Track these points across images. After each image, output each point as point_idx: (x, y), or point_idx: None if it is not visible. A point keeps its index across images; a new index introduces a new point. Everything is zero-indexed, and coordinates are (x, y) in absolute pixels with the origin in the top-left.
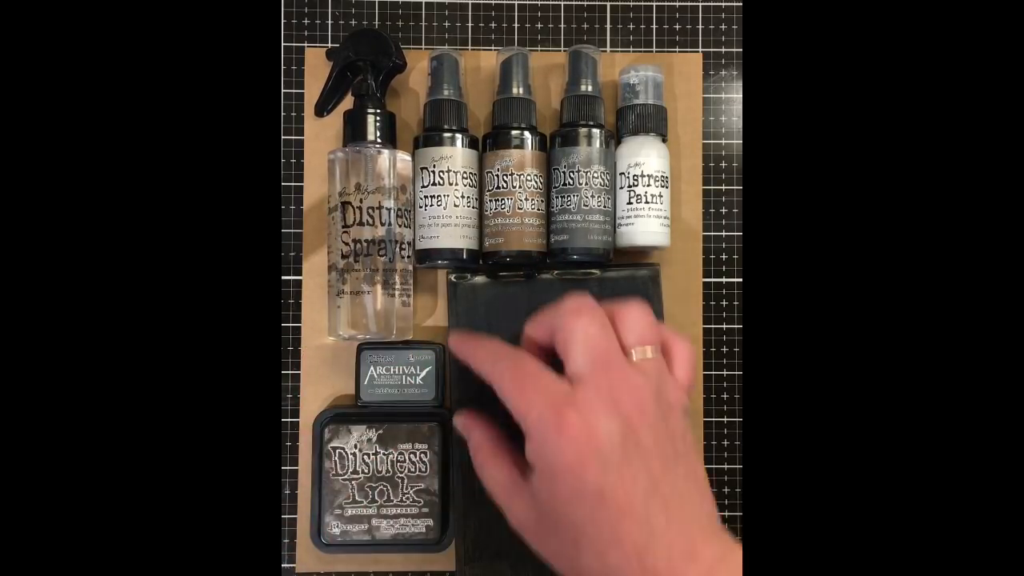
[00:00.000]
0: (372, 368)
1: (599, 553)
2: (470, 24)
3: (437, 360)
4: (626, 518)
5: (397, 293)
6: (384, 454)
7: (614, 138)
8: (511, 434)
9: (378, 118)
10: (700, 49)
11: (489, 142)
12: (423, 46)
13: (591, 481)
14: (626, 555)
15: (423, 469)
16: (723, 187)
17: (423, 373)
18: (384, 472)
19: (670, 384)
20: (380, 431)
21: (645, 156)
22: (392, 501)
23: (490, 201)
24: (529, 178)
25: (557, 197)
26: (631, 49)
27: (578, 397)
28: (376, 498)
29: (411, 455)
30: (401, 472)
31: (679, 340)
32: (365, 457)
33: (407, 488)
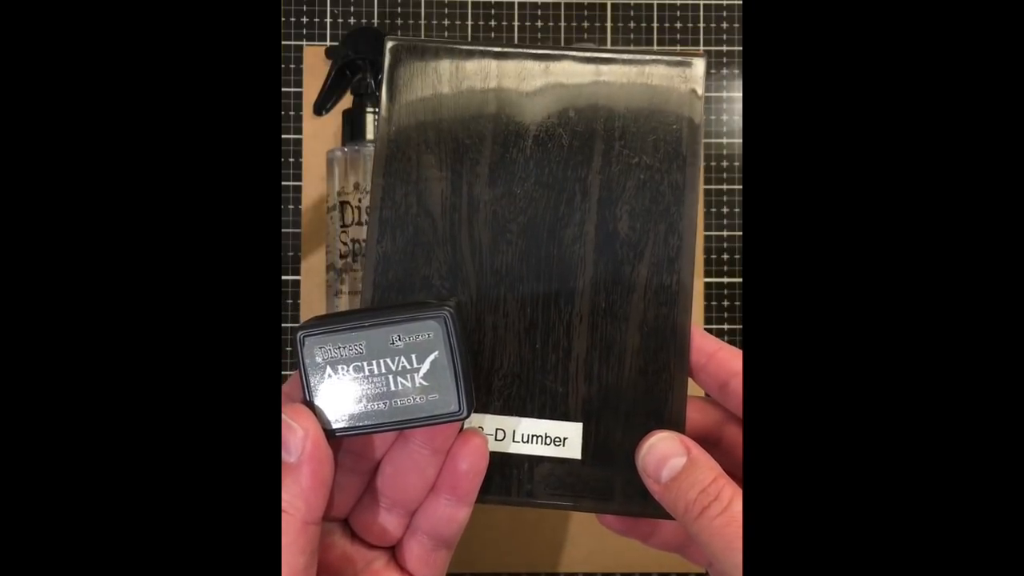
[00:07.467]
0: (328, 371)
1: None
2: (470, 23)
3: (447, 336)
4: None
5: None
6: None
7: None
8: None
9: (377, 117)
10: (701, 48)
11: None
12: None
13: None
14: None
15: None
16: (723, 187)
17: (425, 365)
18: None
19: None
20: None
21: None
22: None
23: None
24: None
25: None
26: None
27: None
28: None
29: None
30: None
31: None
32: None
33: None
